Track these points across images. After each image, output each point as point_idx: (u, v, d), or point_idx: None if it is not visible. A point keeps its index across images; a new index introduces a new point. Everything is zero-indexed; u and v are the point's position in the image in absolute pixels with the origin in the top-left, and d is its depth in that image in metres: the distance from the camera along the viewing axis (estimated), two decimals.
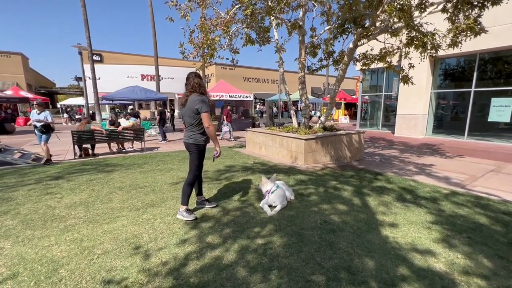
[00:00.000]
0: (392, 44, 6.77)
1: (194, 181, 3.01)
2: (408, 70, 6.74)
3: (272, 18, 6.54)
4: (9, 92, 18.51)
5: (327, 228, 2.78)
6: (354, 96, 23.73)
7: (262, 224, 2.84)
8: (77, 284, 1.85)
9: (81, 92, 32.10)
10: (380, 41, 6.62)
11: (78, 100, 27.34)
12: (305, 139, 5.82)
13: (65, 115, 24.24)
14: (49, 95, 33.73)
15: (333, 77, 35.94)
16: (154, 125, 13.16)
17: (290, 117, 8.25)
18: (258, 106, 29.44)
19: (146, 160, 6.42)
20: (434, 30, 5.22)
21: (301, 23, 6.62)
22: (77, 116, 24.21)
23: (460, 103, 11.06)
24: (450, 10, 4.95)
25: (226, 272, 2.01)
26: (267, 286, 1.86)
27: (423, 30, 5.22)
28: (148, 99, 16.00)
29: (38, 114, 6.34)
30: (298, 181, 4.58)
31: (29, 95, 19.67)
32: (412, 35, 5.53)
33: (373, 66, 7.75)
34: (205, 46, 6.15)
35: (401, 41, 6.42)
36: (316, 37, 7.22)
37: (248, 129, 8.25)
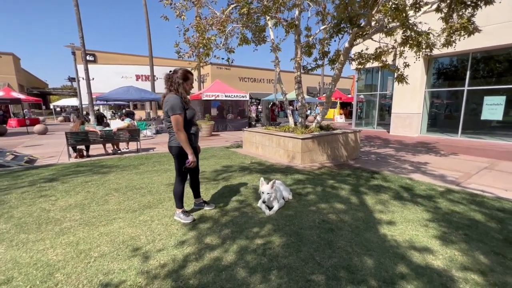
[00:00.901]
0: (387, 44, 6.83)
1: (182, 184, 2.88)
2: (403, 69, 6.80)
3: (268, 17, 6.54)
4: (0, 93, 18.16)
5: (326, 227, 2.79)
6: (349, 96, 23.87)
7: (261, 224, 2.83)
8: None
9: (74, 93, 31.71)
10: (375, 41, 6.68)
11: (72, 101, 27.00)
12: (302, 139, 5.83)
13: (72, 116, 22.87)
14: (41, 96, 33.20)
15: (328, 76, 36.08)
16: (150, 125, 13.06)
17: (287, 117, 8.26)
18: (256, 107, 29.24)
19: (142, 161, 6.36)
20: (429, 29, 5.28)
21: (297, 23, 6.63)
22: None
23: (454, 101, 11.20)
24: (444, 10, 5.01)
25: (226, 273, 2.00)
26: (267, 287, 1.85)
27: (417, 29, 5.28)
28: (143, 100, 15.85)
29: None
30: (296, 180, 4.58)
31: (21, 96, 19.32)
32: (407, 35, 5.58)
33: (368, 65, 7.82)
34: (200, 45, 6.12)
35: (396, 40, 6.48)
36: (311, 37, 7.24)
37: (244, 129, 8.22)
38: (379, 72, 13.39)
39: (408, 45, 5.93)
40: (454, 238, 2.60)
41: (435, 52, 6.00)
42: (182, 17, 6.05)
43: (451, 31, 4.90)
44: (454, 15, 4.81)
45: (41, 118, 21.57)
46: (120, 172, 5.16)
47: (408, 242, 2.52)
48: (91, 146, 7.87)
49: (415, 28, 5.22)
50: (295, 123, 7.49)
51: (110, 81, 26.49)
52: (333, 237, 2.58)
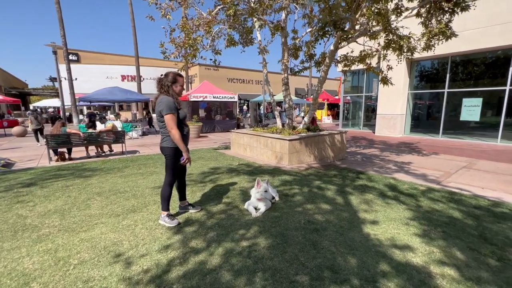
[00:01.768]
0: (371, 47, 7.00)
1: (172, 185, 2.90)
2: (387, 72, 7.00)
3: (255, 19, 6.56)
4: None
5: (311, 227, 2.82)
6: (336, 97, 24.28)
7: (247, 226, 2.83)
8: None
9: (56, 93, 30.58)
10: (360, 44, 6.83)
11: (54, 102, 26.02)
12: (289, 140, 5.88)
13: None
14: (20, 97, 31.82)
15: (316, 78, 36.58)
16: (136, 127, 12.80)
17: (274, 118, 8.31)
18: (244, 108, 29.30)
19: (127, 163, 6.21)
20: (410, 34, 5.46)
21: (283, 25, 6.68)
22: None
23: (435, 103, 11.63)
24: (423, 15, 5.19)
25: (210, 276, 1.98)
26: None
27: (399, 33, 5.45)
28: (129, 100, 15.54)
29: None
30: (283, 181, 4.61)
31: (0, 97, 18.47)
32: (389, 38, 5.74)
33: (354, 67, 7.99)
34: (186, 46, 6.06)
35: (379, 43, 6.66)
36: (298, 39, 7.32)
37: (232, 130, 8.20)
38: (365, 74, 13.72)
39: (390, 49, 6.11)
40: (433, 235, 2.69)
41: (417, 55, 6.22)
42: (167, 17, 5.98)
43: (430, 36, 5.09)
44: (433, 20, 5.00)
45: (20, 119, 20.67)
46: (103, 176, 5.03)
47: (390, 240, 2.58)
48: (74, 149, 7.63)
49: (397, 32, 5.39)
50: (283, 125, 7.54)
51: (95, 82, 25.81)
52: (318, 238, 2.61)
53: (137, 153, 7.93)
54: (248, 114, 16.87)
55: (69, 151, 7.46)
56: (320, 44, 5.91)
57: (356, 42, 6.49)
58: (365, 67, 7.48)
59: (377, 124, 12.43)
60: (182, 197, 3.22)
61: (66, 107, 17.92)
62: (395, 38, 5.47)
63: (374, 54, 7.19)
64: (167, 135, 2.78)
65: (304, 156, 6.29)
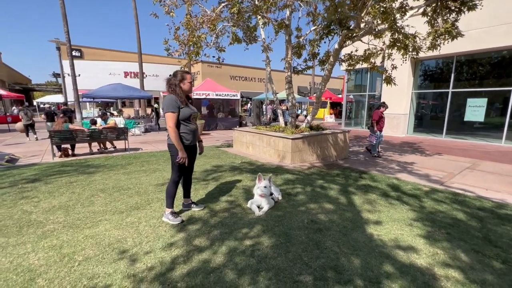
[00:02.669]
0: (376, 46, 6.95)
1: (177, 183, 2.92)
2: (391, 71, 6.95)
3: (259, 17, 6.53)
4: None
5: (314, 227, 2.82)
6: (339, 96, 24.18)
7: (250, 225, 2.84)
8: None
9: (59, 89, 30.67)
10: (364, 43, 6.77)
11: (57, 98, 26.12)
12: (292, 139, 5.87)
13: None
14: (24, 92, 31.98)
15: (319, 76, 36.41)
16: (139, 123, 12.83)
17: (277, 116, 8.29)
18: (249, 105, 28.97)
19: (130, 160, 6.23)
20: (415, 33, 5.40)
21: (287, 23, 6.64)
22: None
23: (439, 103, 11.55)
24: (429, 14, 5.14)
25: (214, 275, 1.99)
26: None
27: (405, 32, 5.39)
28: (132, 97, 15.55)
29: None
30: (286, 180, 4.61)
31: (3, 92, 18.58)
32: (395, 37, 5.69)
33: (358, 66, 7.94)
34: (190, 43, 6.05)
35: (384, 42, 6.61)
36: (302, 38, 7.27)
37: (235, 128, 8.20)
38: (368, 73, 13.63)
39: (396, 48, 6.07)
40: (437, 236, 2.69)
41: (422, 54, 6.17)
42: (171, 14, 5.96)
43: (436, 35, 5.03)
44: (439, 19, 4.94)
45: (42, 116, 20.77)
46: (107, 172, 5.05)
47: (394, 241, 2.58)
48: (77, 145, 7.67)
49: (402, 31, 5.33)
50: (286, 123, 7.53)
51: (98, 78, 25.82)
52: (321, 237, 2.61)
53: (140, 150, 7.95)
54: (268, 113, 16.69)
55: (72, 147, 7.50)
56: (324, 42, 5.88)
57: (361, 41, 6.44)
58: (369, 66, 7.43)
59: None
60: (187, 194, 3.23)
61: (70, 103, 18.00)
62: (400, 37, 5.42)
63: (379, 53, 7.13)
64: None
65: (307, 155, 6.28)
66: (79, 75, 19.97)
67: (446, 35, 5.03)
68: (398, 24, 5.31)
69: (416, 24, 5.84)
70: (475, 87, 10.02)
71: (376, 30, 5.67)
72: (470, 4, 4.63)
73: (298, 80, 31.99)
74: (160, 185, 4.22)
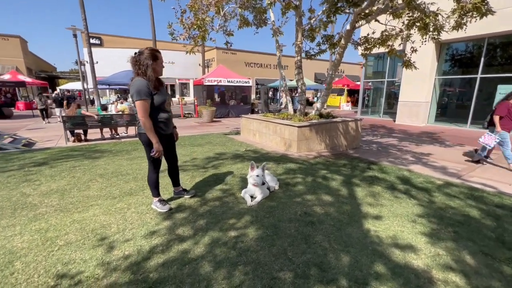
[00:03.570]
0: (394, 27, 6.38)
1: (155, 172, 2.75)
2: (410, 55, 6.40)
3: None
4: (6, 76, 18.33)
5: (307, 220, 2.66)
6: (357, 83, 23.12)
7: (239, 215, 2.73)
8: (28, 278, 1.76)
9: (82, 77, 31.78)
10: (381, 23, 6.24)
11: (78, 85, 27.11)
12: (298, 127, 5.63)
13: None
14: (49, 80, 33.50)
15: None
16: None
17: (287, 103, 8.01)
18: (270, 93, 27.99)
19: (137, 146, 6.30)
20: (438, 10, 4.85)
21: (297, 3, 6.23)
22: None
23: (466, 90, 10.65)
24: None
25: (189, 267, 1.91)
26: (228, 283, 1.75)
27: (425, 10, 4.86)
28: None
29: None
30: (287, 169, 4.43)
31: (28, 79, 19.49)
32: (414, 16, 5.16)
33: (375, 50, 7.39)
34: (194, 27, 5.85)
35: (404, 23, 6.04)
36: (313, 19, 6.83)
37: (243, 115, 8.04)
38: (388, 58, 12.78)
39: (415, 28, 5.52)
40: (442, 235, 2.44)
41: (448, 36, 5.58)
42: None
43: (462, 12, 4.48)
44: None
45: (48, 101, 21.82)
46: (111, 157, 5.12)
47: (392, 238, 2.37)
48: (90, 131, 7.89)
49: (422, 8, 4.80)
50: (295, 111, 7.25)
51: (116, 65, 26.34)
52: (312, 231, 2.45)
53: None
54: (281, 100, 16.27)
55: (85, 133, 7.73)
56: (333, 22, 5.43)
57: (378, 21, 5.93)
58: (386, 50, 6.88)
59: (398, 111, 11.67)
60: (175, 183, 3.15)
61: (91, 90, 18.75)
62: (420, 15, 4.89)
63: (398, 34, 6.55)
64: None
65: (314, 144, 6.03)
66: (97, 62, 20.46)
67: (474, 12, 4.45)
68: (417, 1, 4.79)
69: (438, 1, 5.25)
70: (508, 72, 9.07)
71: (393, 8, 5.16)
72: None
73: (315, 67, 30.93)
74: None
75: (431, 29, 5.12)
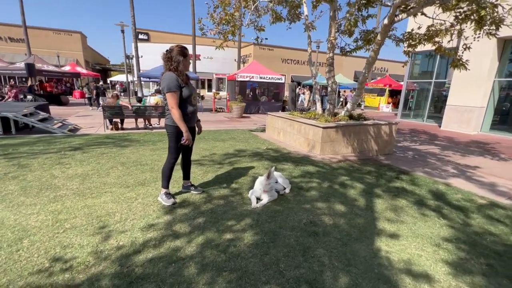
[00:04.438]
0: (444, 21, 5.63)
1: (173, 164, 2.88)
2: (462, 53, 5.61)
3: None
4: (66, 68, 20.64)
5: (310, 230, 2.46)
6: (401, 83, 21.31)
7: (240, 217, 2.63)
8: (29, 256, 1.89)
9: (130, 70, 34.47)
10: (428, 17, 5.56)
11: (123, 77, 29.49)
12: (323, 127, 5.32)
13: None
14: (103, 71, 37.03)
15: (381, 60, 32.58)
16: None
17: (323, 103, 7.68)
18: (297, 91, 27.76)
19: (163, 137, 6.56)
20: (497, 0, 4.14)
21: None
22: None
23: None
24: None
25: (175, 266, 1.88)
26: None
27: (480, 0, 4.17)
28: None
29: None
30: (305, 172, 4.21)
31: (84, 71, 21.70)
32: (466, 7, 4.48)
33: (420, 48, 6.63)
34: (223, 22, 5.85)
35: (456, 16, 5.29)
36: (349, 13, 6.35)
37: (269, 112, 7.89)
38: (438, 56, 11.47)
39: (470, 22, 4.79)
40: (470, 266, 2.06)
41: (507, 31, 4.74)
42: None
43: None
44: None
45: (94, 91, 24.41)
46: (137, 147, 5.40)
47: (405, 262, 2.07)
48: (126, 120, 8.46)
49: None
50: (324, 110, 6.89)
51: (159, 60, 27.99)
52: (313, 243, 2.25)
53: None
54: (300, 98, 15.94)
55: (122, 122, 8.32)
56: (362, 15, 4.91)
57: (424, 14, 5.29)
58: (433, 47, 6.13)
59: (445, 116, 10.44)
60: (186, 176, 3.20)
61: (136, 81, 20.47)
62: (474, 7, 4.22)
63: (448, 30, 5.77)
64: (169, 113, 2.71)
65: (340, 147, 5.66)
66: (142, 56, 21.94)
67: None
68: None
69: None
70: None
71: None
72: None
73: (354, 64, 29.28)
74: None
75: (488, 22, 4.40)
